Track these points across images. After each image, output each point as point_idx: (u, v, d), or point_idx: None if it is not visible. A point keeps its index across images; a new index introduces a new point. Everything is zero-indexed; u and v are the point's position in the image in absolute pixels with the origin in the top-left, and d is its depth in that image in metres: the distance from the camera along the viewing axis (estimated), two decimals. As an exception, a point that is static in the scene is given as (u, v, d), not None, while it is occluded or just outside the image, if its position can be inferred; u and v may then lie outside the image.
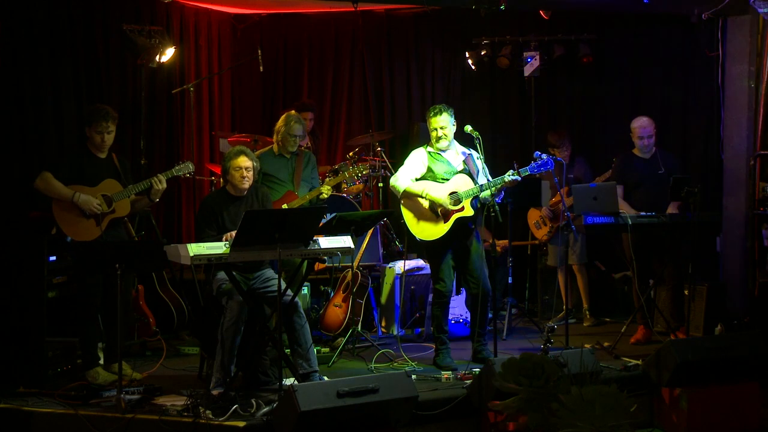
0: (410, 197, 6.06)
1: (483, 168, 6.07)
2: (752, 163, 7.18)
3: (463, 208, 5.94)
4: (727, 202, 7.28)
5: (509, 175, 5.90)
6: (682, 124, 8.21)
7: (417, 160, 6.11)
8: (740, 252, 7.18)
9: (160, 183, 5.73)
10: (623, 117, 7.53)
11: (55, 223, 5.59)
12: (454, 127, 6.08)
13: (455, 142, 6.13)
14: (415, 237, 6.06)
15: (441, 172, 6.04)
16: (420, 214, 6.04)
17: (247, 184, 5.59)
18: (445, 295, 6.14)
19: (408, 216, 6.07)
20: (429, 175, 6.07)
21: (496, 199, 6.01)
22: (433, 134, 6.06)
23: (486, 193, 5.93)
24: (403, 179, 6.07)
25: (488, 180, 5.95)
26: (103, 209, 5.62)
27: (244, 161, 5.55)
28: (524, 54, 8.31)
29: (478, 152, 6.06)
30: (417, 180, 6.07)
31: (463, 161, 6.05)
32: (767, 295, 6.88)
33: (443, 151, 6.08)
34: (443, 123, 6.02)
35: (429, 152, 6.11)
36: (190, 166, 5.97)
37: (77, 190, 5.57)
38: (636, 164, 6.94)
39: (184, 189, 8.22)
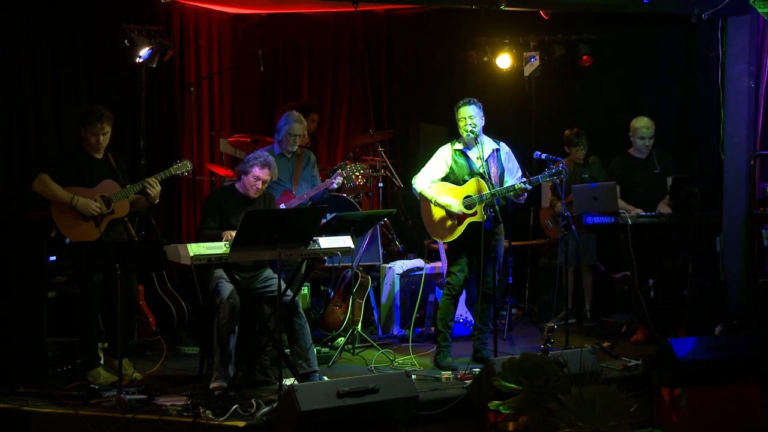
0: (425, 200, 6.11)
1: (508, 162, 6.10)
2: (752, 163, 7.17)
3: (476, 213, 5.94)
4: (727, 202, 7.28)
5: (519, 183, 5.90)
6: (682, 124, 8.21)
7: (440, 159, 6.13)
8: (740, 252, 7.18)
9: (154, 187, 5.70)
10: (623, 117, 7.53)
11: (54, 225, 5.58)
12: (483, 122, 6.06)
13: (486, 137, 6.10)
14: (430, 236, 6.16)
15: (462, 173, 6.05)
16: (435, 217, 6.07)
17: (257, 195, 5.61)
18: (455, 288, 6.13)
19: (426, 216, 6.13)
20: (451, 174, 6.09)
21: (519, 200, 6.03)
22: (462, 123, 6.02)
23: (511, 192, 5.93)
24: (421, 181, 6.11)
25: (506, 182, 5.98)
26: (102, 210, 5.60)
27: (266, 174, 5.56)
28: (524, 54, 8.31)
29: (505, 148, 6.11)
30: (441, 180, 6.09)
31: (486, 162, 6.02)
32: (767, 295, 6.88)
33: (468, 148, 6.08)
34: (472, 113, 6.01)
35: (455, 150, 6.11)
36: (188, 165, 5.96)
37: (75, 193, 5.54)
38: (632, 164, 6.94)
39: (184, 189, 8.21)
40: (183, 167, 5.91)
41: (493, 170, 6.01)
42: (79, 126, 5.69)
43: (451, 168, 6.09)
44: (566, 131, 7.85)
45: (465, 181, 6.03)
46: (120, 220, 5.75)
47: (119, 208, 5.69)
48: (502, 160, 6.11)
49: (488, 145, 6.08)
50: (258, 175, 5.54)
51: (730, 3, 7.03)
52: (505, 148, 6.16)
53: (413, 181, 6.18)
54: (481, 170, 5.97)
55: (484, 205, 5.90)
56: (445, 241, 6.12)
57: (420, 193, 6.11)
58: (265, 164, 5.55)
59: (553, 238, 7.85)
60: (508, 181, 6.03)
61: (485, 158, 5.98)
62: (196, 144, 8.18)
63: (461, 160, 6.08)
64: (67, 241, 5.68)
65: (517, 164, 6.18)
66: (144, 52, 7.03)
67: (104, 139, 5.67)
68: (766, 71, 7.20)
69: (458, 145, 6.12)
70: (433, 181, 6.09)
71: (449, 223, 6.01)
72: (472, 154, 6.06)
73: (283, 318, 5.27)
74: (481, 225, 5.89)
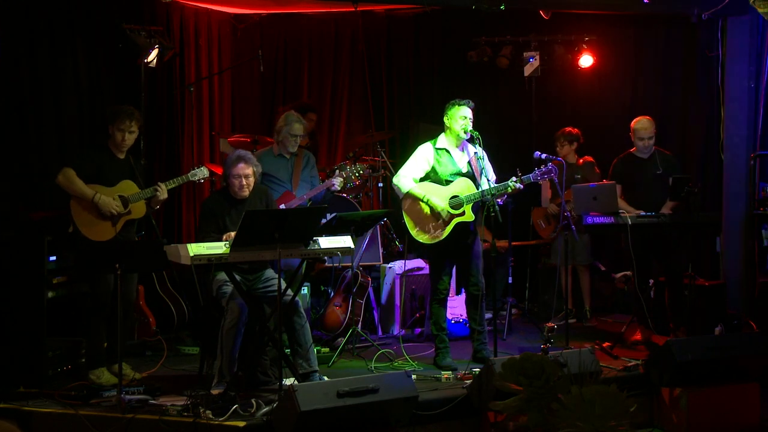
0: (412, 199, 6.05)
1: (487, 167, 6.05)
2: (752, 163, 7.18)
3: (464, 213, 5.93)
4: (727, 202, 7.28)
5: (512, 182, 5.89)
6: (682, 124, 8.21)
7: (421, 157, 6.08)
8: (740, 252, 7.18)
9: (163, 193, 5.75)
10: (623, 117, 7.53)
11: (71, 221, 5.59)
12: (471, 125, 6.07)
13: (466, 141, 6.09)
14: (415, 239, 6.06)
15: (445, 173, 6.02)
16: (421, 217, 6.03)
17: (246, 192, 5.58)
18: (442, 292, 6.16)
19: (408, 218, 6.07)
20: (432, 174, 6.06)
21: (498, 201, 6.00)
22: (460, 122, 6.00)
23: (502, 191, 5.91)
24: (406, 180, 6.06)
25: (489, 182, 5.93)
26: (119, 210, 5.63)
27: (243, 169, 5.54)
28: (524, 54, 8.32)
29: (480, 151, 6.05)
30: (421, 179, 6.06)
31: (468, 162, 6.02)
32: (767, 295, 6.88)
33: (452, 148, 6.06)
34: (469, 114, 6.01)
35: (436, 149, 6.09)
36: (205, 171, 6.00)
37: (97, 191, 5.58)
38: (634, 164, 6.95)
39: (184, 189, 8.21)
40: (200, 173, 5.97)
41: (476, 170, 6.01)
42: (107, 123, 5.73)
43: (433, 167, 6.05)
44: (561, 131, 7.86)
45: (448, 182, 6.01)
46: (135, 221, 5.77)
47: (136, 209, 5.72)
48: (480, 163, 6.08)
49: (470, 147, 6.08)
50: (239, 173, 5.53)
51: (730, 3, 7.03)
52: (481, 151, 6.10)
53: (395, 180, 6.12)
54: (465, 170, 5.98)
55: (472, 205, 5.90)
56: (432, 242, 6.00)
57: (407, 193, 6.05)
58: (238, 159, 5.54)
59: (546, 239, 7.85)
60: (485, 184, 5.94)
61: (468, 160, 5.99)
62: (196, 144, 8.18)
63: (444, 160, 6.05)
64: (70, 230, 5.67)
65: (491, 167, 6.12)
66: (153, 54, 7.14)
67: (129, 139, 5.72)
68: (766, 71, 7.20)
69: (443, 144, 6.09)
70: (414, 179, 6.07)
71: (436, 223, 5.99)
72: (458, 154, 6.05)
73: (283, 318, 5.27)
74: (467, 225, 5.89)
